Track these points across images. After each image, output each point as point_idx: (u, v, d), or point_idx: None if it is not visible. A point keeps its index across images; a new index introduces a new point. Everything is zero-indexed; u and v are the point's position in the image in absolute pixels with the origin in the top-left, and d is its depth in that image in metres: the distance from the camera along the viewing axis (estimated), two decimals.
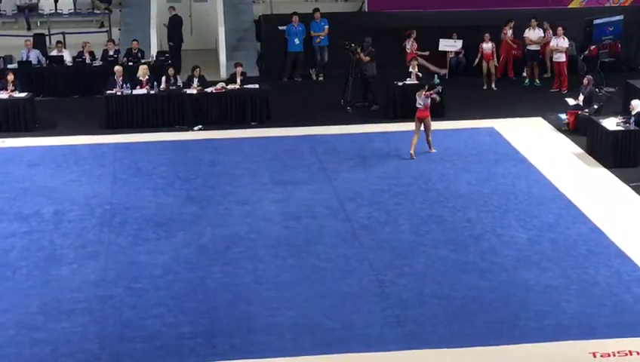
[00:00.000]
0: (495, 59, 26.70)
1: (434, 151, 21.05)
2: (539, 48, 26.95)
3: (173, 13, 28.34)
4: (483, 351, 13.01)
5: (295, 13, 27.69)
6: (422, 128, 20.89)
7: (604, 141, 20.49)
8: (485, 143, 21.83)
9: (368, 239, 16.65)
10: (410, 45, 26.74)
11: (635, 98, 21.30)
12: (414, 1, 29.74)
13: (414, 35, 26.78)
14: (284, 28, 27.88)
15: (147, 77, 23.88)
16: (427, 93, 20.85)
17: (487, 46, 26.58)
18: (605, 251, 15.99)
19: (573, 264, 15.50)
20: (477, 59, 26.75)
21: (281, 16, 28.95)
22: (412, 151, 20.76)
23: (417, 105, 20.90)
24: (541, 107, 24.29)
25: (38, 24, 30.32)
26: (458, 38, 27.39)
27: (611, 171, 19.82)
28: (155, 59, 26.37)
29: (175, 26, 28.39)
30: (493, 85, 26.60)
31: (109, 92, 23.59)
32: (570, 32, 26.66)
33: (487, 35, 26.61)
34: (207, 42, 30.38)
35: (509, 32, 27.11)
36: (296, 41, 27.59)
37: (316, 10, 28.05)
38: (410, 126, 21.98)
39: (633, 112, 20.54)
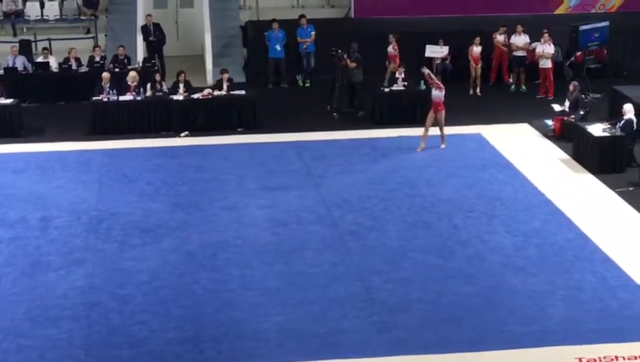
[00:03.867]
0: (481, 62, 26.73)
1: (444, 147, 21.52)
2: (525, 54, 27.05)
3: (152, 21, 28.14)
4: (470, 357, 13.03)
5: (274, 20, 27.74)
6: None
7: (590, 147, 20.54)
8: (471, 149, 21.87)
9: (355, 245, 16.66)
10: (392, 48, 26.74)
11: (621, 104, 21.27)
12: (401, 7, 29.83)
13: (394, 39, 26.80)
14: None
15: (135, 83, 23.85)
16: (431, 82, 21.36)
17: (477, 49, 26.65)
18: (591, 257, 16.03)
19: (559, 269, 15.53)
20: (469, 63, 26.80)
21: (268, 22, 28.94)
22: (423, 145, 21.30)
23: (433, 97, 21.36)
24: (527, 113, 24.33)
25: (24, 30, 30.20)
26: (444, 44, 27.42)
27: (597, 177, 19.86)
28: (141, 65, 26.34)
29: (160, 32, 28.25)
30: (478, 90, 26.66)
31: (95, 98, 23.56)
32: (556, 38, 26.74)
33: (477, 38, 26.68)
34: (193, 48, 30.32)
35: (500, 37, 27.18)
36: (277, 47, 27.61)
37: (302, 16, 28.06)
38: (397, 132, 22.11)
39: (625, 117, 20.56)
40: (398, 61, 26.19)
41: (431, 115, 21.43)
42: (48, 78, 26.22)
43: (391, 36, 26.77)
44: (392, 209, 18.32)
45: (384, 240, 16.86)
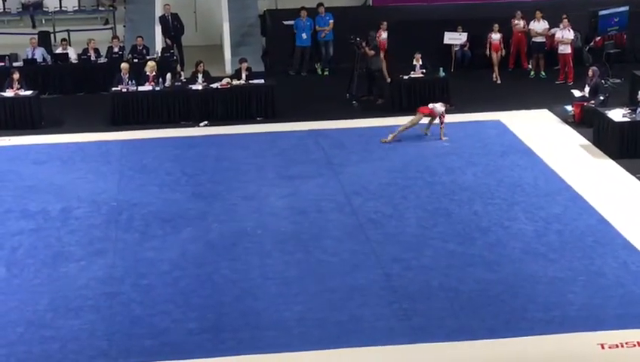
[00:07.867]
0: (502, 50, 26.75)
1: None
2: (544, 40, 26.96)
3: (171, 11, 28.15)
4: (490, 344, 13.01)
5: (303, 8, 27.69)
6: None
7: (611, 132, 20.46)
8: (491, 136, 21.83)
9: (375, 233, 16.65)
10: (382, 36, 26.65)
11: None
12: None
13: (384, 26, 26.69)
14: (290, 23, 27.85)
15: (154, 73, 23.89)
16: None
17: (496, 37, 26.60)
18: (612, 242, 15.97)
19: (580, 255, 15.49)
20: (487, 50, 26.74)
21: (286, 11, 28.96)
22: (391, 137, 21.20)
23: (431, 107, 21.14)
24: (547, 99, 24.28)
25: (43, 22, 30.35)
26: (463, 31, 27.37)
27: (617, 162, 19.79)
28: (160, 55, 26.38)
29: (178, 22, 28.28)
30: (498, 77, 26.56)
31: (114, 89, 23.63)
32: (575, 24, 26.64)
33: (496, 25, 26.63)
34: (211, 38, 30.38)
35: (520, 23, 27.11)
36: (304, 35, 27.59)
37: (320, 4, 28.03)
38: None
39: None
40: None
41: (418, 116, 21.29)
42: (67, 69, 26.26)
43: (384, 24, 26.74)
44: (411, 197, 18.30)
45: (404, 228, 16.85)
